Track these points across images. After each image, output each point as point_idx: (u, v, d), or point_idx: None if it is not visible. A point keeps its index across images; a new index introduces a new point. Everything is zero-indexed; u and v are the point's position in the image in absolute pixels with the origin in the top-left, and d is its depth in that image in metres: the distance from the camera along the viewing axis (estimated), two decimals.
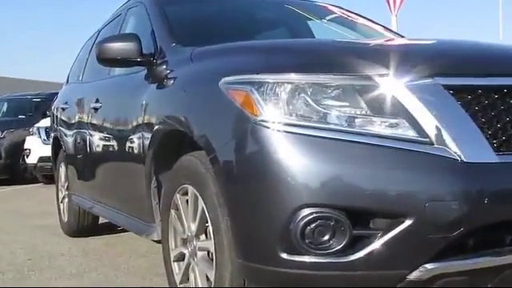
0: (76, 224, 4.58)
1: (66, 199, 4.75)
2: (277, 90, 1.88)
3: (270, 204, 1.81)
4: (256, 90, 1.90)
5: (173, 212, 2.48)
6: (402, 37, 3.54)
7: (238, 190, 1.92)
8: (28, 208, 6.77)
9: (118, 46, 2.86)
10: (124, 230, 4.80)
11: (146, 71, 2.92)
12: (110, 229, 4.90)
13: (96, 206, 3.72)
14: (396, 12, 9.65)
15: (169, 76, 2.63)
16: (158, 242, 2.79)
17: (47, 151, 9.19)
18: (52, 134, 5.25)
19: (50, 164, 9.07)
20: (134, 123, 2.86)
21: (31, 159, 9.25)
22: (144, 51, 2.85)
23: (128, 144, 2.96)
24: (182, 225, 2.41)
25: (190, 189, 2.28)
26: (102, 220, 4.72)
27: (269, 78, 1.90)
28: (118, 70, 3.56)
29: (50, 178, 9.58)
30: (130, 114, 2.95)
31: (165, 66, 2.74)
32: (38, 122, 9.91)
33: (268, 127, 1.84)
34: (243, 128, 1.90)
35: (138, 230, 2.91)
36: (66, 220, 4.76)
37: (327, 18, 3.81)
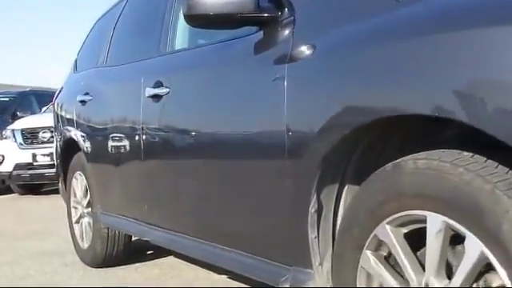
0: (103, 251, 3.51)
1: (87, 219, 3.66)
2: None
3: None
4: None
5: (369, 254, 1.50)
6: None
7: None
8: (13, 226, 5.59)
9: None
10: (158, 255, 3.77)
11: (261, 34, 1.92)
12: (140, 255, 3.86)
13: (156, 233, 2.67)
14: None
15: (330, 34, 1.64)
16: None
17: (25, 157, 8.02)
18: (57, 137, 4.14)
19: (29, 172, 7.93)
20: (260, 113, 1.86)
21: (5, 167, 8.00)
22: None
23: (242, 145, 1.95)
24: (399, 277, 1.43)
25: (439, 221, 1.30)
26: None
27: None
28: (185, 41, 2.55)
29: (29, 189, 8.39)
30: (244, 99, 1.95)
31: (312, 21, 1.76)
32: (9, 123, 8.67)
33: None
34: None
35: (268, 276, 1.89)
36: (85, 246, 3.68)
37: None
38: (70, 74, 4.23)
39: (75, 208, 3.86)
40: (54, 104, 4.28)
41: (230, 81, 2.06)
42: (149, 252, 3.96)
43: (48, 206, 6.95)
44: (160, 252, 3.79)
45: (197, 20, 1.97)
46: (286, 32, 1.82)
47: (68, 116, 3.81)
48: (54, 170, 7.62)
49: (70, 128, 3.75)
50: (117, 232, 3.46)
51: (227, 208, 2.07)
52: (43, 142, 7.75)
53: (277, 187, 1.78)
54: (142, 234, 2.82)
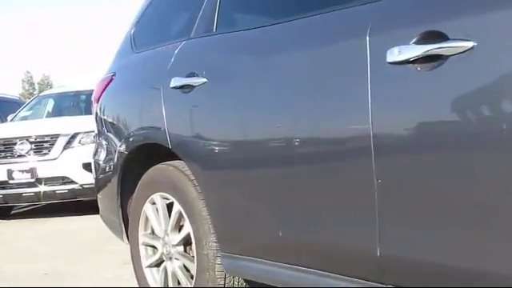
0: None
1: (178, 263, 2.47)
2: None
3: None
4: None
5: None
6: None
7: None
8: (7, 266, 4.23)
9: None
10: None
11: None
12: None
13: None
14: None
15: None
16: None
17: None
18: (108, 145, 2.93)
19: (2, 192, 6.36)
20: None
21: None
22: None
23: None
24: None
25: None
26: None
27: None
28: None
29: None
30: None
31: None
32: None
33: None
34: None
35: None
36: None
37: None
38: (121, 55, 3.02)
39: (149, 246, 2.67)
40: (96, 102, 3.05)
41: None
42: None
43: (33, 233, 5.56)
44: None
45: None
46: None
47: (141, 112, 2.62)
48: (33, 189, 6.34)
49: (146, 129, 2.57)
50: (235, 281, 2.31)
51: None
52: (20, 156, 6.34)
53: None
54: None
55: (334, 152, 1.69)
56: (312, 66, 1.77)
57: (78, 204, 6.60)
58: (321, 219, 1.75)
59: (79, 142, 6.41)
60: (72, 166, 6.26)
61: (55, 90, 8.56)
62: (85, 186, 6.22)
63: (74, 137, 6.39)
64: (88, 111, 7.54)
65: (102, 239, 4.91)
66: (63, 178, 6.26)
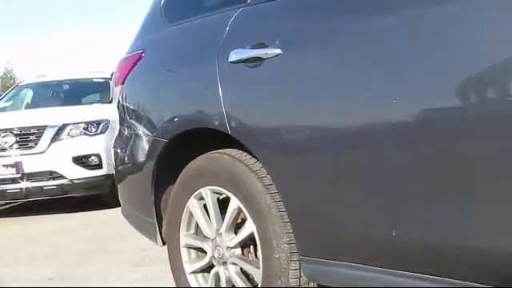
0: None
1: (234, 269, 2.12)
2: None
3: None
4: None
5: None
6: None
7: None
8: (3, 270, 3.79)
9: None
10: None
11: None
12: None
13: None
14: None
15: None
16: None
17: None
18: (136, 134, 2.55)
19: None
20: None
21: None
22: None
23: None
24: None
25: None
26: None
27: None
28: None
29: None
30: None
31: None
32: None
33: None
34: None
35: None
36: None
37: None
38: (148, 29, 2.64)
39: (193, 249, 2.31)
40: (121, 84, 2.66)
41: None
42: None
43: (24, 233, 5.10)
44: None
45: None
46: None
47: (187, 93, 2.25)
48: (19, 185, 5.84)
49: (195, 112, 2.20)
50: None
51: None
52: (4, 149, 5.86)
53: None
54: None
55: (480, 129, 1.35)
56: (444, 22, 1.43)
57: (61, 201, 6.14)
58: (465, 216, 1.41)
59: (68, 134, 5.96)
60: (61, 159, 5.81)
61: (36, 80, 7.99)
62: (75, 182, 5.81)
63: (62, 128, 5.93)
64: (70, 102, 7.10)
65: (101, 238, 4.53)
66: (51, 172, 5.81)
